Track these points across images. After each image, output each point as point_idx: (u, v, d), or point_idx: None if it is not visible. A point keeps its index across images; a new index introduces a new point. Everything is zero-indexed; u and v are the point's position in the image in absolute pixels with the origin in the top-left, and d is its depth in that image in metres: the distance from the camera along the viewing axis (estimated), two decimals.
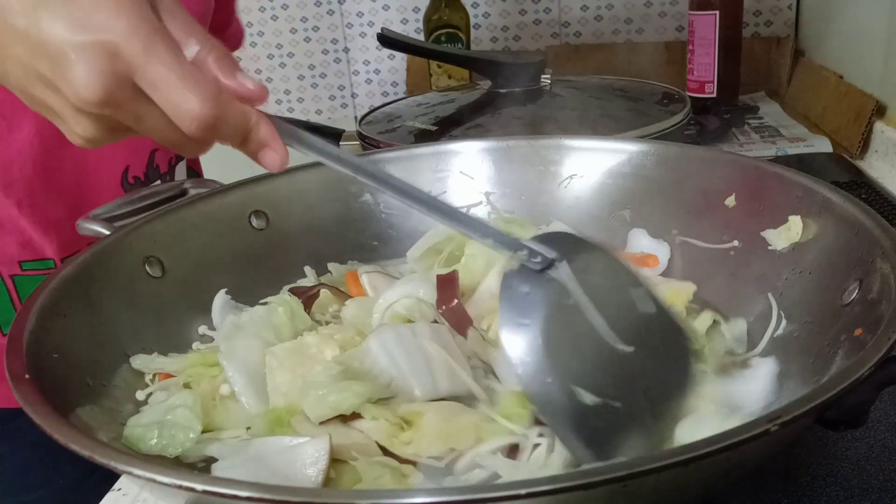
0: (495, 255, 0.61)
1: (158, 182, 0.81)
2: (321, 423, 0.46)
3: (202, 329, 0.59)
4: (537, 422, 0.46)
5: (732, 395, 0.49)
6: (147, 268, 0.59)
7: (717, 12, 1.11)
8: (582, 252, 0.44)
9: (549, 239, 0.45)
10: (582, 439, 0.40)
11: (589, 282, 0.43)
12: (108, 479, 0.55)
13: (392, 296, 0.57)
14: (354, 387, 0.46)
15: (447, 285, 0.57)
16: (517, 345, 0.42)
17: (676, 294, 0.58)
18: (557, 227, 0.68)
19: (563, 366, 0.41)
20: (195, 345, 0.58)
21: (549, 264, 0.43)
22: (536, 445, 0.45)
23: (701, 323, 0.54)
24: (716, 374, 0.51)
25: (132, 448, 0.46)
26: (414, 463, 0.45)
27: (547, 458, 0.44)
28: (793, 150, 1.04)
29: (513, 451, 0.45)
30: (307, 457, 0.43)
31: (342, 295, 0.62)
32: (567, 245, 0.45)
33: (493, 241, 0.45)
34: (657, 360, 0.44)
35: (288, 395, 0.49)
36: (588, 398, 0.40)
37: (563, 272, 0.42)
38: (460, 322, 0.55)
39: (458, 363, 0.50)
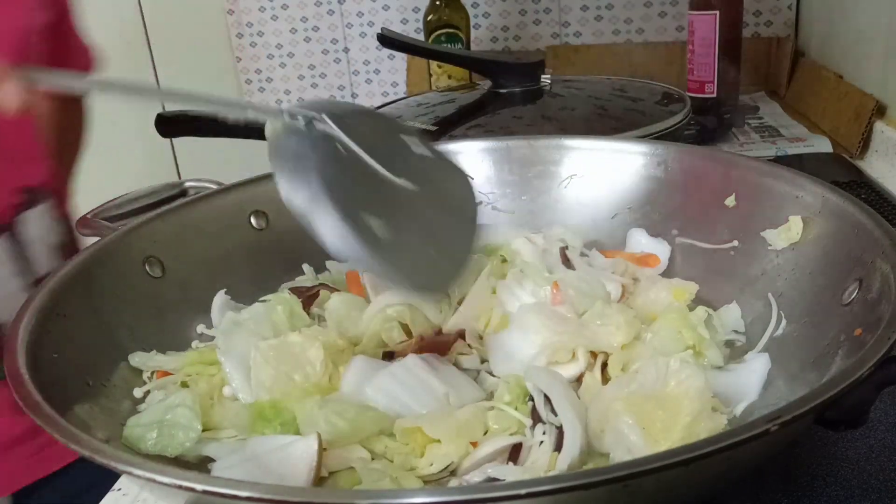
0: (482, 261, 0.62)
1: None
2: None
3: (200, 328, 0.59)
4: (536, 419, 0.46)
5: (726, 388, 0.49)
6: (147, 268, 0.59)
7: (717, 12, 1.11)
8: (345, 112, 0.47)
9: (309, 104, 0.46)
10: (380, 262, 0.43)
11: (356, 132, 0.45)
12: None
13: (384, 300, 0.58)
14: (370, 413, 0.47)
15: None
16: (296, 191, 0.43)
17: (678, 292, 0.58)
18: (558, 231, 0.68)
19: (347, 199, 0.43)
20: (194, 343, 0.58)
21: (311, 119, 0.45)
22: (538, 444, 0.46)
23: (695, 317, 0.54)
24: (712, 367, 0.52)
25: (132, 448, 0.46)
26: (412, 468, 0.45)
27: (549, 460, 0.44)
28: (793, 150, 1.04)
29: (514, 452, 0.45)
30: (298, 456, 0.43)
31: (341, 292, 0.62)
32: (328, 107, 0.47)
33: (253, 111, 0.47)
34: (439, 196, 0.49)
35: (272, 390, 0.49)
36: (374, 223, 0.43)
37: (327, 125, 0.44)
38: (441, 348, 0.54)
39: (458, 379, 0.51)
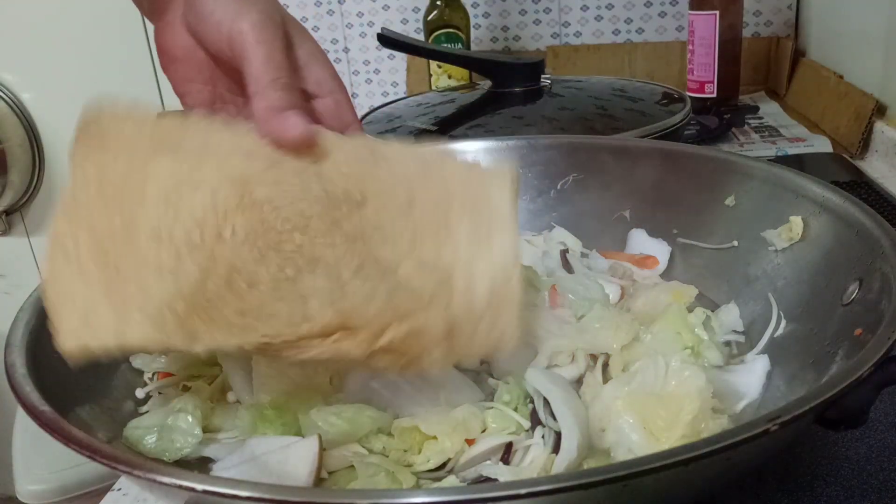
0: None
1: None
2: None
3: None
4: (536, 422, 0.46)
5: (726, 388, 0.49)
6: None
7: (717, 12, 1.11)
8: None
9: None
10: None
11: None
12: None
13: None
14: (368, 412, 0.47)
15: None
16: None
17: (677, 294, 0.58)
18: (559, 234, 0.68)
19: None
20: None
21: None
22: (535, 446, 0.46)
23: (694, 318, 0.54)
24: (712, 368, 0.52)
25: (131, 449, 0.46)
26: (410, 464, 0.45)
27: (545, 461, 0.44)
28: (793, 150, 1.04)
29: (506, 452, 0.46)
30: (299, 457, 0.43)
31: None
32: None
33: None
34: None
35: (273, 391, 0.49)
36: None
37: None
38: None
39: (456, 380, 0.50)
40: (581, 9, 1.44)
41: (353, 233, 0.42)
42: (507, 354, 0.52)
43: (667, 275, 0.64)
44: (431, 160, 0.46)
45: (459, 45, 1.31)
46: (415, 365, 0.43)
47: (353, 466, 0.45)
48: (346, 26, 1.52)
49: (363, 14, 1.51)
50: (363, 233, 0.43)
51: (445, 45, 1.31)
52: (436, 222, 0.44)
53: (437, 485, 0.44)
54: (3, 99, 1.62)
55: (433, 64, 1.34)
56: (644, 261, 0.65)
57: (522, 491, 0.30)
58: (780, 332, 0.53)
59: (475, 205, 0.45)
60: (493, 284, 0.43)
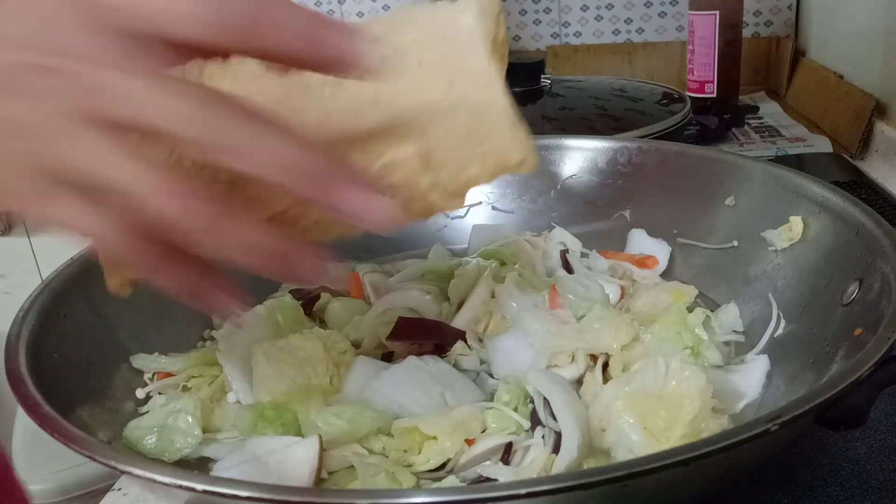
0: (482, 264, 0.62)
1: None
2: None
3: (207, 333, 0.59)
4: (536, 422, 0.46)
5: (726, 388, 0.49)
6: None
7: (717, 12, 1.11)
8: None
9: None
10: None
11: None
12: None
13: (385, 304, 0.58)
14: (368, 412, 0.47)
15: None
16: None
17: (677, 295, 0.58)
18: (559, 234, 0.68)
19: None
20: (199, 345, 0.58)
21: None
22: (535, 446, 0.46)
23: (694, 318, 0.54)
24: (712, 368, 0.52)
25: (131, 450, 0.46)
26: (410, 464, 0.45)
27: (545, 461, 0.44)
28: (793, 150, 1.04)
29: (506, 453, 0.46)
30: (299, 457, 0.43)
31: (342, 297, 0.62)
32: None
33: None
34: None
35: (273, 391, 0.49)
36: None
37: None
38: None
39: (456, 380, 0.51)
40: (581, 9, 1.43)
41: (333, 107, 0.40)
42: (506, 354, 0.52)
43: (667, 275, 0.64)
44: (397, 18, 0.43)
45: None
46: (414, 205, 0.39)
47: (353, 466, 0.45)
48: None
49: (363, 14, 1.51)
50: (343, 106, 0.40)
51: None
52: (407, 68, 0.41)
53: (437, 485, 0.44)
54: None
55: None
56: (644, 261, 0.65)
57: (522, 491, 0.30)
58: (780, 332, 0.53)
59: (444, 38, 0.42)
60: (471, 96, 0.40)
